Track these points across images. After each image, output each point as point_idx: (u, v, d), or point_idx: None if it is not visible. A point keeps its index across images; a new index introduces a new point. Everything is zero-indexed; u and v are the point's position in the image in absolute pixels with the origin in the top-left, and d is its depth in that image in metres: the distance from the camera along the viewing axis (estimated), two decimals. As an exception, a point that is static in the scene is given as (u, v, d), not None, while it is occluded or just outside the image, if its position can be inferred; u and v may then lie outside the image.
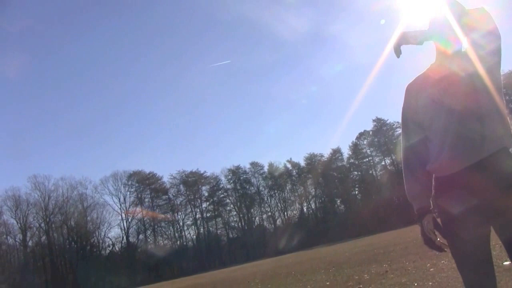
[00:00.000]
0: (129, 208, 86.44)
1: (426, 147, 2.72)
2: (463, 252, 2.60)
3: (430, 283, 7.01)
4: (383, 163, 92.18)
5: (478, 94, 2.52)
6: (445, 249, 2.60)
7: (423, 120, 2.71)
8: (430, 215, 2.65)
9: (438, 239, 2.62)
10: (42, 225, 79.83)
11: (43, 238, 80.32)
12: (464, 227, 2.53)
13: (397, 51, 2.82)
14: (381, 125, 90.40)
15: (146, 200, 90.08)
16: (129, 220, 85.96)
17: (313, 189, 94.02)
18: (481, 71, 2.54)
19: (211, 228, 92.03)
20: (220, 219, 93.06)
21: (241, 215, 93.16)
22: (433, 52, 2.82)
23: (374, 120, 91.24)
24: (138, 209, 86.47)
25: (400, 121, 2.90)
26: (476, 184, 2.47)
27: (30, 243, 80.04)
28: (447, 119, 2.57)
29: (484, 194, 2.44)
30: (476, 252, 2.56)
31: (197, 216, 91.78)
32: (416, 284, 7.28)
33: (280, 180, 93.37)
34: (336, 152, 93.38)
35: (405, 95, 2.85)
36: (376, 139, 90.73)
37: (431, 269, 8.48)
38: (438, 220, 2.66)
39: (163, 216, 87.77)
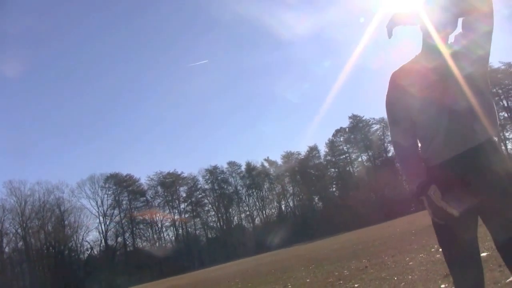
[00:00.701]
0: (106, 211, 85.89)
1: (415, 138, 2.77)
2: (454, 246, 2.66)
3: (410, 277, 7.04)
4: (360, 159, 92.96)
5: (466, 87, 2.55)
6: (459, 211, 2.47)
7: (412, 113, 2.72)
8: (433, 186, 2.56)
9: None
10: (19, 230, 78.68)
11: (20, 243, 79.23)
12: (455, 221, 2.54)
13: (390, 33, 2.81)
14: (357, 122, 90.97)
15: (124, 202, 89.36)
16: (107, 223, 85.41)
17: (291, 187, 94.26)
18: (468, 63, 2.58)
19: (189, 229, 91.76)
20: (198, 219, 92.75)
21: (219, 215, 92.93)
22: (416, 41, 2.83)
23: (350, 117, 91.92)
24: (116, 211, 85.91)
25: (384, 114, 2.93)
26: (466, 176, 2.52)
27: (6, 249, 78.79)
28: (437, 112, 2.60)
29: (474, 189, 2.49)
30: (465, 246, 2.62)
31: (176, 217, 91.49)
32: (396, 278, 7.31)
33: (257, 179, 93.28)
34: (313, 149, 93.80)
35: (390, 84, 2.83)
36: (352, 136, 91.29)
37: (410, 263, 8.53)
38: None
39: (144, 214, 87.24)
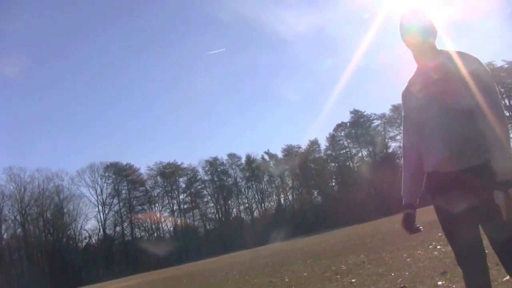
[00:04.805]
0: (105, 200, 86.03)
1: (414, 138, 2.90)
2: (460, 247, 2.82)
3: (407, 273, 7.05)
4: (360, 154, 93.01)
5: (471, 84, 2.57)
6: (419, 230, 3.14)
7: (412, 113, 2.89)
8: (408, 210, 3.10)
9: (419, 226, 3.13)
10: (18, 217, 78.79)
11: (19, 230, 79.38)
12: (459, 225, 2.71)
13: None
14: (358, 117, 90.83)
15: (123, 192, 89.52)
16: (106, 212, 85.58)
17: (291, 181, 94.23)
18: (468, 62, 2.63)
19: (188, 220, 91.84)
20: (197, 210, 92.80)
21: (218, 207, 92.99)
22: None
23: (351, 112, 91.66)
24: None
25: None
26: (470, 186, 2.58)
27: (5, 236, 78.78)
28: (437, 111, 2.68)
29: (477, 196, 2.56)
30: (470, 247, 2.74)
31: (174, 207, 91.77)
32: (393, 274, 7.32)
33: (257, 171, 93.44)
34: (314, 143, 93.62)
35: (401, 100, 3.04)
36: (353, 131, 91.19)
37: (408, 259, 8.54)
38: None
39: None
